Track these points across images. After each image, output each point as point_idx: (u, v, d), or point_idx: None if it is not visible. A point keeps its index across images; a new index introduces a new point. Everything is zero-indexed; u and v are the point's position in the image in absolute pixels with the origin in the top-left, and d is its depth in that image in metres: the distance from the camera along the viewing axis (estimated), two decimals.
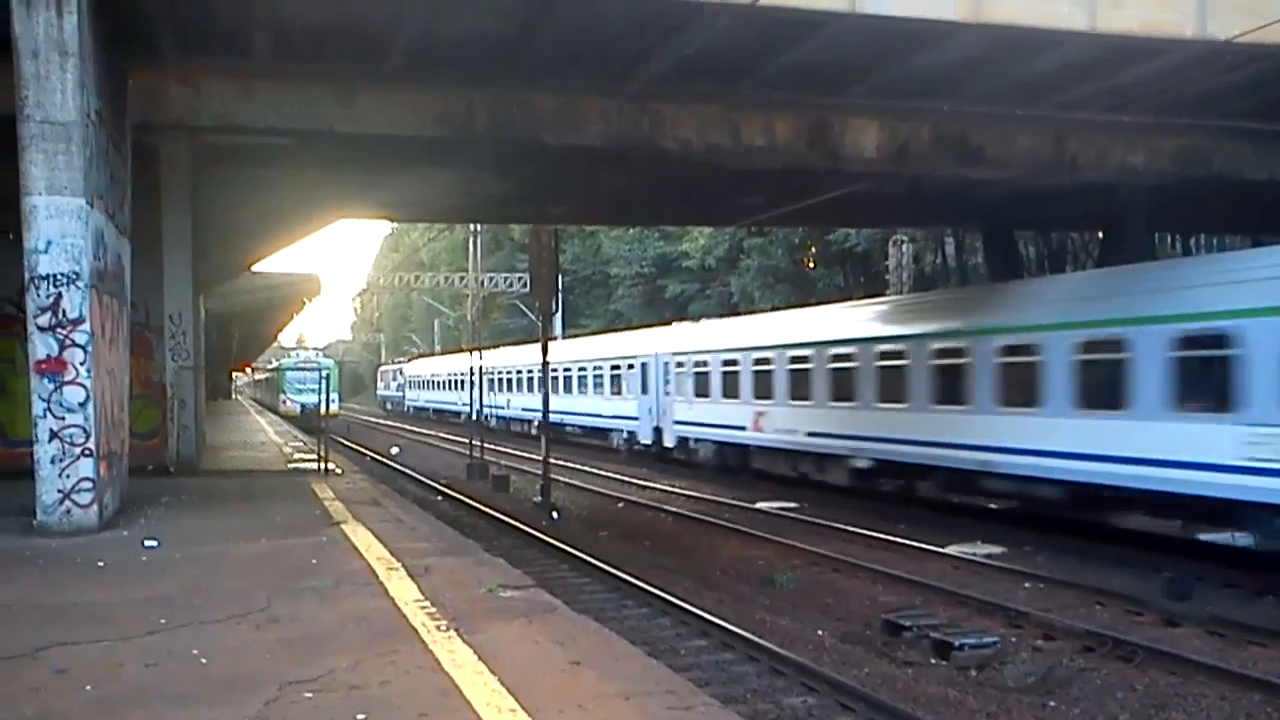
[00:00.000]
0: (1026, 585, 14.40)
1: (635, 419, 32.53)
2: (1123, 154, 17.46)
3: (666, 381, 30.24)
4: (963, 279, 34.35)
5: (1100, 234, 26.04)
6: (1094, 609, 13.07)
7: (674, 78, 14.81)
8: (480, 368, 36.02)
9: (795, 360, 23.74)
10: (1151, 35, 13.51)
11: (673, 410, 29.81)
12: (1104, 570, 15.19)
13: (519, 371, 43.43)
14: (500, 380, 46.28)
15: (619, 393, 34.05)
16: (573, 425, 37.49)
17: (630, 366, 33.14)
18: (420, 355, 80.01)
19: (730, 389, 26.49)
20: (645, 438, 31.75)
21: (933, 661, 10.98)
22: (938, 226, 31.53)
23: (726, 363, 26.81)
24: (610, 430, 34.75)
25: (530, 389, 41.81)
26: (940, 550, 16.67)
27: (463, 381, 45.65)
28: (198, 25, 13.50)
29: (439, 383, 63.31)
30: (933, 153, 16.91)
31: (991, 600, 13.16)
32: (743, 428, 25.86)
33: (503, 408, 45.92)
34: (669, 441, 30.07)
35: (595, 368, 35.80)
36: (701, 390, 28.05)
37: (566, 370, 37.72)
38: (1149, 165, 17.55)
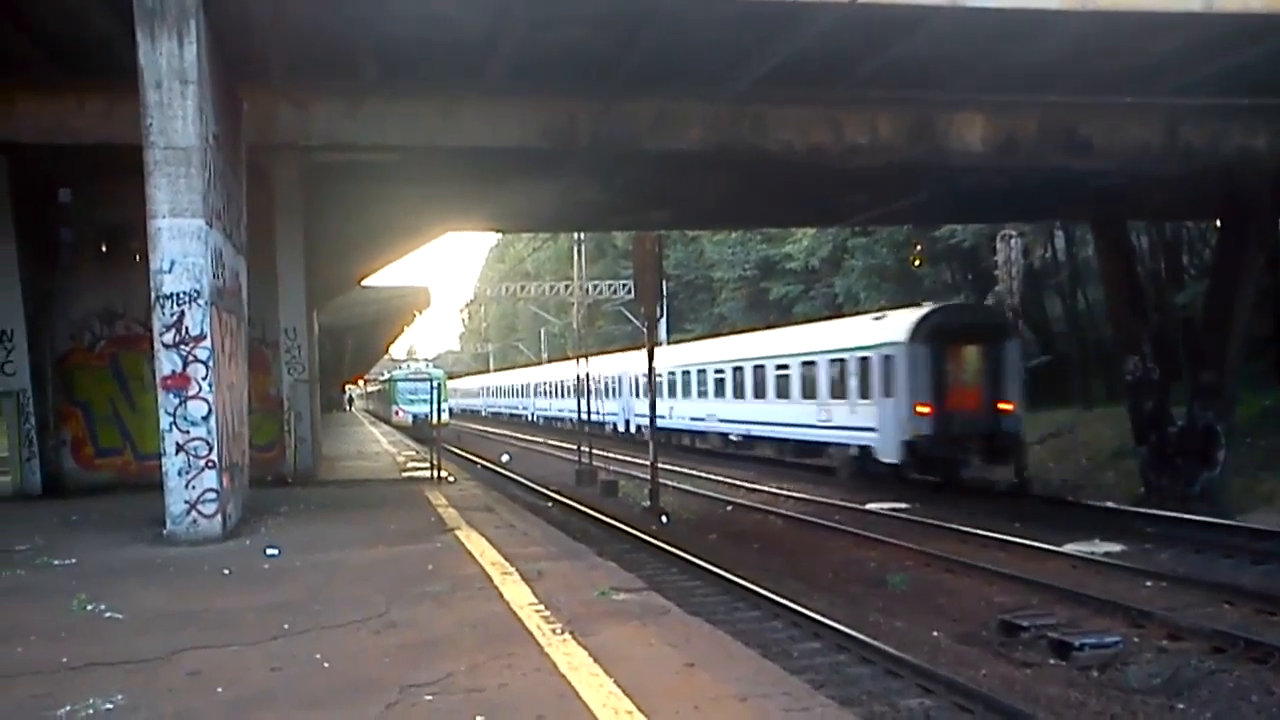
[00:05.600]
0: (1148, 584, 14.01)
1: (616, 414, 46.80)
2: (1241, 137, 16.80)
3: (631, 389, 44.58)
4: (1074, 273, 33.62)
5: (1218, 222, 25.21)
6: (1222, 609, 12.65)
7: (773, 79, 14.76)
8: (585, 375, 38.63)
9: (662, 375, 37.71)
10: (1274, 11, 12.89)
11: (633, 407, 43.93)
12: (1231, 569, 14.72)
13: (558, 382, 59.29)
14: (549, 388, 62.90)
15: (608, 396, 47.18)
16: (540, 417, 58.01)
17: (611, 380, 47.41)
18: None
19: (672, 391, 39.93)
20: (621, 426, 45.80)
21: (1052, 662, 10.77)
22: (1046, 220, 30.82)
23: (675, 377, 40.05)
24: (604, 422, 46.73)
25: (560, 395, 58.33)
26: (1057, 549, 16.32)
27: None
28: (307, 49, 13.88)
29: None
30: (1040, 145, 16.56)
31: (1112, 600, 12.82)
32: (662, 416, 36.00)
33: (546, 409, 62.81)
34: (632, 429, 43.63)
35: (595, 380, 48.53)
36: (682, 395, 40.06)
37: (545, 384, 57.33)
38: (1272, 148, 16.85)
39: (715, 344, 38.69)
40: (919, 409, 23.50)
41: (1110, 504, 20.69)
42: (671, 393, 39.08)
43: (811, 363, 28.24)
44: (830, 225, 37.67)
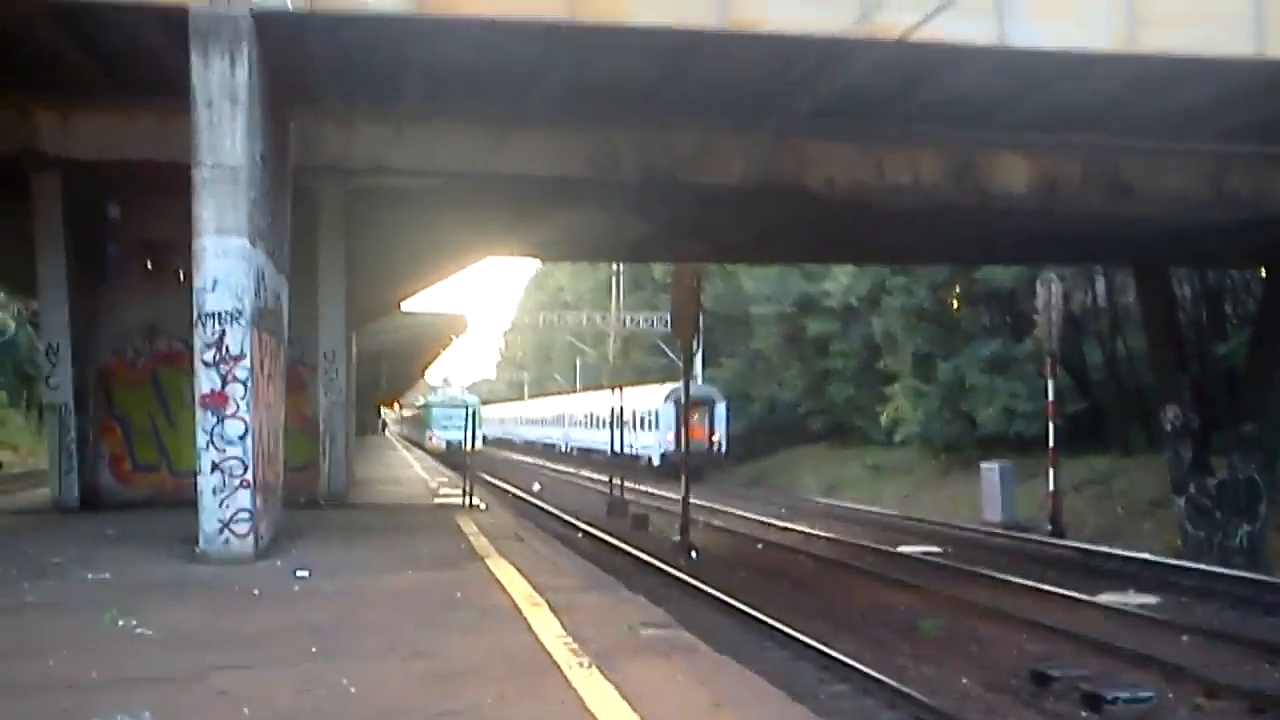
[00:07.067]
0: (1184, 638, 13.75)
1: (562, 439, 67.64)
2: None
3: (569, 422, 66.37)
4: (1114, 318, 33.26)
5: (1262, 271, 24.93)
6: (1262, 667, 12.37)
7: (816, 115, 14.79)
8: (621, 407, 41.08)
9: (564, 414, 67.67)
10: None
11: (570, 435, 64.99)
12: (1272, 626, 14.45)
13: (535, 417, 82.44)
14: (531, 419, 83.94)
15: (556, 426, 70.16)
16: (523, 440, 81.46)
17: (557, 416, 70.66)
18: None
19: (563, 424, 67.57)
20: (563, 448, 66.28)
21: (1083, 715, 10.57)
22: (1087, 264, 30.61)
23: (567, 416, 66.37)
24: (555, 444, 69.45)
25: (537, 425, 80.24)
26: (1091, 599, 16.08)
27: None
28: (355, 72, 14.05)
29: None
30: (1083, 189, 16.46)
31: (1146, 653, 12.58)
32: (569, 439, 64.22)
33: (528, 435, 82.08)
34: (567, 449, 64.72)
35: (556, 416, 72.04)
36: (569, 425, 66.01)
37: (527, 417, 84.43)
38: None
39: (592, 396, 61.56)
40: (668, 437, 45.20)
41: (1147, 555, 20.40)
42: (569, 425, 65.24)
43: (633, 412, 45.94)
44: (869, 264, 37.53)
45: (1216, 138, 15.75)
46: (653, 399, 47.12)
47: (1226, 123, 15.24)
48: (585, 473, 48.58)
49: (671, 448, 44.31)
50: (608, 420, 51.12)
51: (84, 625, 8.01)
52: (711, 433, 46.16)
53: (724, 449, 46.72)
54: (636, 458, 46.59)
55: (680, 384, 38.60)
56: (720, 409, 46.77)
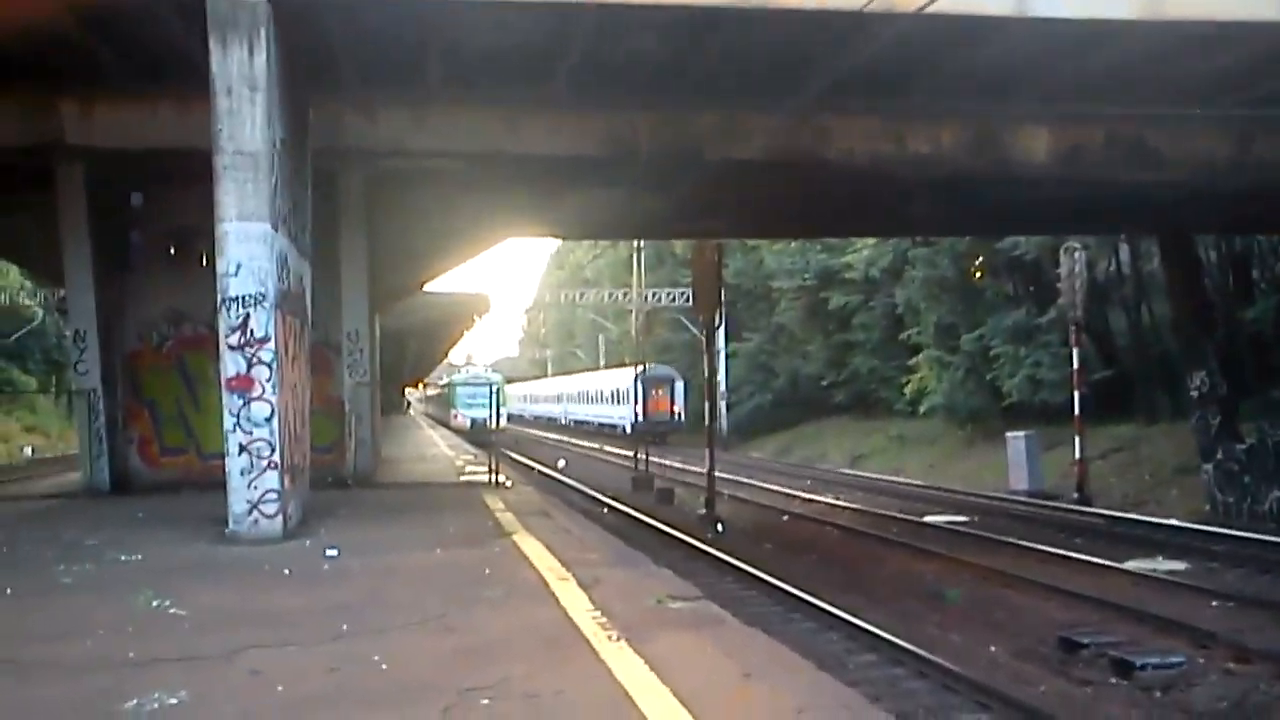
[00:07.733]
0: (1213, 604, 13.67)
1: (561, 412, 77.85)
2: None
3: (566, 398, 77.48)
4: (1138, 286, 33.01)
5: None
6: None
7: (837, 89, 14.72)
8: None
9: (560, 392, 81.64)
10: None
11: (568, 410, 75.02)
12: None
13: (532, 393, 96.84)
14: (532, 395, 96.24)
15: (556, 402, 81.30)
16: (533, 416, 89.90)
17: (556, 394, 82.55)
18: None
19: (562, 400, 79.31)
20: (562, 420, 75.52)
21: (1113, 681, 10.54)
22: (1111, 232, 30.34)
23: (564, 395, 78.85)
24: (554, 417, 79.67)
25: (531, 401, 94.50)
26: (1118, 566, 16.04)
27: None
28: (375, 58, 14.09)
29: None
30: (1106, 157, 16.33)
31: (1175, 619, 12.52)
32: (567, 413, 75.40)
33: (533, 409, 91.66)
34: (565, 420, 74.59)
35: (555, 393, 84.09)
36: (565, 401, 77.42)
37: (534, 395, 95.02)
38: None
39: (582, 378, 74.94)
40: (636, 409, 51.72)
41: (1174, 521, 20.35)
42: (566, 401, 76.09)
43: (610, 389, 58.02)
44: (891, 236, 37.36)
45: (1242, 102, 15.57)
46: (625, 379, 54.37)
47: (1252, 88, 15.06)
48: (610, 448, 48.67)
49: (638, 418, 52.56)
50: (593, 397, 67.43)
51: (119, 606, 8.13)
52: (672, 404, 55.48)
53: (682, 420, 54.68)
54: (613, 426, 57.78)
55: (645, 366, 49.76)
56: (679, 386, 55.55)
